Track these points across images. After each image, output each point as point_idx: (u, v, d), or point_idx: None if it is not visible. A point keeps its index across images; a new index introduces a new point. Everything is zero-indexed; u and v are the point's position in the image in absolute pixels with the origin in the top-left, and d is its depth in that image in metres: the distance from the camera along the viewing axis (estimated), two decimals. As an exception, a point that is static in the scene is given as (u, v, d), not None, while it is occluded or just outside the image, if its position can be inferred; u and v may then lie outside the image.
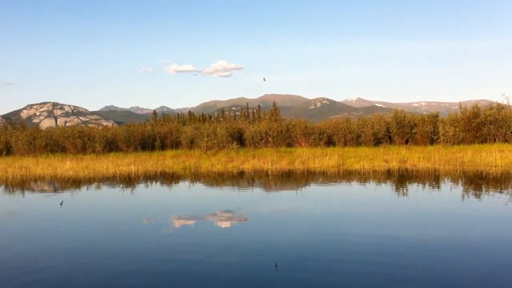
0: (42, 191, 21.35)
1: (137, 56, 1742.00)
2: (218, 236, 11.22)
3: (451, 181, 20.43)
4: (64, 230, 12.47)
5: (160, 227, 12.45)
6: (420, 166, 25.69)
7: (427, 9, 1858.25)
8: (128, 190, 20.48)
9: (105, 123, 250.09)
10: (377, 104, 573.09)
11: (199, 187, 21.29)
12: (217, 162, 28.90)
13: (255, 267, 8.69)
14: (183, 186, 21.60)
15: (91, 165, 28.72)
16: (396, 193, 17.53)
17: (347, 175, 23.32)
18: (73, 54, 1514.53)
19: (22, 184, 23.83)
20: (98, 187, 21.66)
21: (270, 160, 28.69)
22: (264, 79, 66.09)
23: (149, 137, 44.76)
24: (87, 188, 21.40)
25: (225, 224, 12.50)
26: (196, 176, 24.82)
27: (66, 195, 19.26)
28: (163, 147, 44.23)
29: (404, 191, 17.91)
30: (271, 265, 8.64)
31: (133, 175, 25.62)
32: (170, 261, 9.17)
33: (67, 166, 28.87)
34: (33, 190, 21.76)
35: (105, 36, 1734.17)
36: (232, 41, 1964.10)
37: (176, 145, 44.65)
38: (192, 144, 42.75)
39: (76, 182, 23.53)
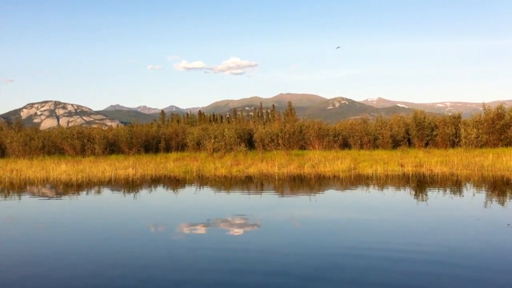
0: (24, 195, 21.48)
1: (144, 52, 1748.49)
2: (222, 244, 11.51)
3: (466, 187, 20.51)
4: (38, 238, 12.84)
5: (151, 235, 12.78)
6: (437, 171, 25.80)
7: (452, 6, 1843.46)
8: (119, 195, 20.83)
9: (110, 124, 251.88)
10: (399, 105, 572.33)
11: (195, 192, 21.64)
12: (221, 166, 29.21)
13: (271, 276, 8.86)
14: (179, 191, 21.93)
15: (88, 168, 29.14)
16: (402, 200, 17.71)
17: (357, 180, 23.51)
18: (76, 50, 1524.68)
19: (7, 188, 24.21)
20: (88, 192, 21.87)
21: (277, 163, 28.96)
22: (337, 47, 70.03)
23: (153, 139, 45.02)
24: (74, 193, 21.65)
25: (230, 232, 12.78)
26: (196, 181, 25.17)
27: (49, 201, 19.77)
28: (168, 149, 44.56)
29: (412, 198, 18.07)
30: (288, 274, 8.89)
31: (130, 179, 25.97)
32: (176, 269, 9.46)
33: (61, 169, 29.33)
34: (13, 194, 21.89)
35: (110, 32, 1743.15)
36: (246, 37, 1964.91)
37: (182, 147, 44.98)
38: (198, 146, 43.09)
39: (66, 187, 23.88)
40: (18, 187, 24.12)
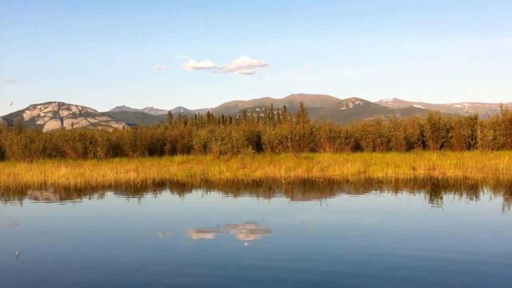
0: (17, 200, 21.86)
1: (151, 51, 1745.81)
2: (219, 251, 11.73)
3: (478, 191, 20.66)
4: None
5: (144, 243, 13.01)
6: (449, 174, 25.88)
7: (470, 4, 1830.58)
8: (117, 200, 21.17)
9: (115, 125, 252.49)
10: (415, 105, 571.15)
11: (196, 196, 21.99)
12: (226, 169, 29.41)
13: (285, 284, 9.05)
14: (180, 196, 22.31)
15: (88, 172, 29.31)
16: (411, 205, 17.90)
17: (366, 184, 23.70)
18: (81, 50, 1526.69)
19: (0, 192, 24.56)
20: (84, 197, 22.09)
21: (284, 167, 29.10)
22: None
23: (158, 141, 45.14)
24: (70, 198, 21.96)
25: (238, 239, 13.01)
26: (199, 185, 25.48)
27: (42, 206, 20.07)
28: (173, 152, 44.67)
29: (421, 202, 18.24)
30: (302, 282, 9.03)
31: (131, 183, 26.20)
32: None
33: (61, 172, 29.50)
34: (5, 199, 22.23)
35: (115, 30, 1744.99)
36: (256, 35, 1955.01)
37: (188, 149, 45.07)
38: (205, 148, 43.18)
39: (62, 191, 24.17)
40: (12, 192, 24.41)
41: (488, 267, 9.66)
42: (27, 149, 41.88)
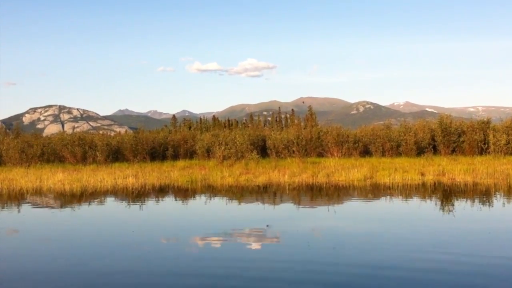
0: (7, 206, 22.18)
1: (155, 53, 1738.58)
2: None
3: (486, 198, 20.70)
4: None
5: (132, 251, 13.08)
6: (458, 180, 25.88)
7: (484, 5, 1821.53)
8: (110, 207, 21.39)
9: (118, 129, 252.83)
10: (427, 109, 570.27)
11: (194, 203, 22.22)
12: (228, 175, 29.50)
13: None
14: (178, 203, 22.48)
15: (85, 177, 29.38)
16: (412, 212, 17.96)
17: (371, 190, 23.81)
18: (82, 51, 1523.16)
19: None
20: (79, 203, 22.34)
21: (289, 172, 29.14)
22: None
23: (160, 146, 45.21)
24: (64, 204, 22.21)
25: (241, 247, 13.10)
26: (199, 191, 25.68)
27: (29, 213, 20.22)
28: (176, 156, 44.71)
29: (426, 209, 18.29)
30: None
31: (130, 189, 26.30)
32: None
33: (57, 178, 29.59)
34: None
35: (117, 32, 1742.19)
36: (264, 36, 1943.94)
37: (191, 154, 45.14)
38: (208, 153, 43.21)
39: (57, 197, 24.46)
40: (5, 198, 24.63)
41: (494, 277, 9.75)
42: (24, 154, 41.98)
